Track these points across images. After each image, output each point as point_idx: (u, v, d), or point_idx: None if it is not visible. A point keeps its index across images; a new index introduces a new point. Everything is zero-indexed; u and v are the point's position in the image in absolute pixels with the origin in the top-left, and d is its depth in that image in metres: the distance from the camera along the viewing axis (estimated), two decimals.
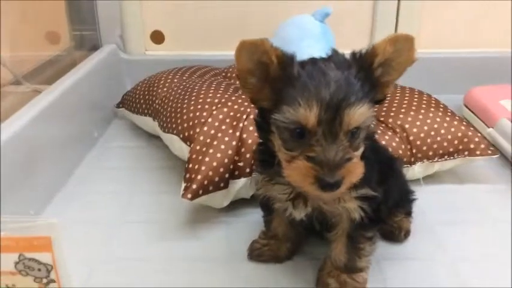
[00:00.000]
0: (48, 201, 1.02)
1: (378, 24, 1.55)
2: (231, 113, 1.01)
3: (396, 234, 0.90)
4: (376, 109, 1.06)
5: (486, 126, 1.27)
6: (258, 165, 0.77)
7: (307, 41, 1.22)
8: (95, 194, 1.06)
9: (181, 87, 1.15)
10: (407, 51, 0.65)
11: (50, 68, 1.51)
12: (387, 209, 0.82)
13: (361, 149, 0.66)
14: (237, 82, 1.26)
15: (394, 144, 1.03)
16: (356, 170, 0.63)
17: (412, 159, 1.03)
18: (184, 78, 1.23)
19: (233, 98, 1.05)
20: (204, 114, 1.01)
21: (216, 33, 1.55)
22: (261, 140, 0.75)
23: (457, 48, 1.59)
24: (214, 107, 1.02)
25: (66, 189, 1.08)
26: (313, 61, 0.66)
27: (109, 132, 1.36)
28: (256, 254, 0.85)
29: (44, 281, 0.51)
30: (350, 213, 0.72)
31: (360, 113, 0.61)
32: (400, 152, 1.02)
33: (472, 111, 1.36)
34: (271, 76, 0.64)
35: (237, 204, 0.99)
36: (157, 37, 1.59)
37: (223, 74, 1.33)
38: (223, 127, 0.98)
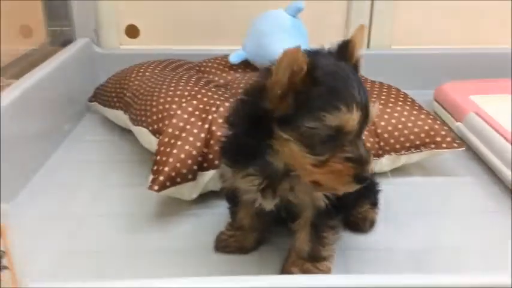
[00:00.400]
0: (17, 194, 1.02)
1: (352, 22, 1.56)
2: (200, 106, 1.01)
3: (361, 225, 0.91)
4: None
5: (455, 120, 1.29)
6: (228, 159, 0.76)
7: (279, 35, 1.23)
8: (64, 186, 1.06)
9: (152, 80, 1.15)
10: (363, 40, 0.70)
11: (25, 62, 1.50)
12: (351, 198, 0.83)
13: None
14: (210, 76, 1.27)
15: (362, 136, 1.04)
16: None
17: (380, 152, 1.05)
18: (156, 71, 1.22)
19: (203, 91, 1.06)
20: (174, 106, 1.01)
21: (191, 28, 1.55)
22: (238, 137, 0.73)
23: (429, 44, 1.61)
24: (183, 100, 1.02)
25: (35, 182, 1.07)
26: (323, 62, 0.65)
27: (81, 126, 1.35)
28: (223, 245, 0.86)
29: None
30: (315, 201, 0.74)
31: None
32: (368, 144, 1.04)
33: (442, 106, 1.38)
34: (296, 84, 0.62)
35: (207, 196, 1.00)
36: (132, 31, 1.58)
37: (197, 67, 1.33)
38: (192, 119, 0.98)
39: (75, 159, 1.18)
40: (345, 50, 0.68)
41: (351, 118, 0.62)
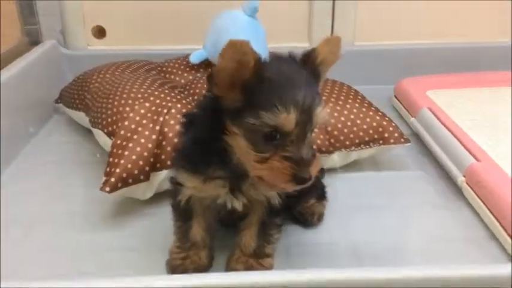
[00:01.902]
0: None
1: (314, 18, 1.58)
2: (153, 108, 1.04)
3: (309, 219, 0.94)
4: None
5: (410, 116, 1.32)
6: (187, 164, 0.76)
7: (236, 33, 1.25)
8: (25, 188, 1.08)
9: (110, 82, 1.17)
10: (336, 50, 0.72)
11: None
12: (296, 196, 0.87)
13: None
14: (171, 77, 1.30)
15: (313, 134, 1.07)
16: (318, 162, 0.70)
17: (331, 149, 1.08)
18: (116, 73, 1.25)
19: (156, 93, 1.08)
20: (127, 109, 1.04)
21: (156, 28, 1.57)
22: (194, 138, 0.75)
23: (392, 40, 1.64)
24: (137, 102, 1.05)
25: None
26: (277, 64, 0.69)
27: (47, 128, 1.37)
28: (181, 270, 0.82)
29: None
30: (270, 200, 0.77)
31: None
32: (319, 142, 1.07)
33: (400, 102, 1.42)
34: (244, 78, 0.66)
35: (162, 195, 1.02)
36: (99, 32, 1.60)
37: (159, 68, 1.36)
38: (144, 121, 1.01)
39: (39, 160, 1.20)
40: (308, 58, 0.71)
41: (287, 119, 0.64)
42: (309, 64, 0.71)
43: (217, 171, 0.73)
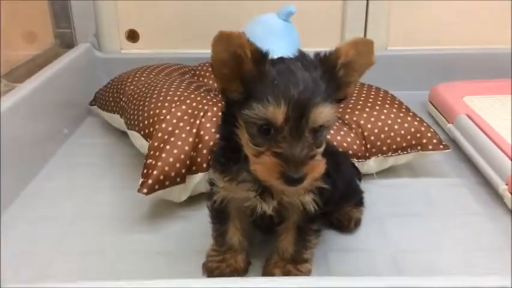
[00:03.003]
0: (16, 196, 1.06)
1: (347, 23, 1.58)
2: (189, 111, 1.04)
3: (346, 225, 0.93)
4: (340, 109, 1.11)
5: (447, 122, 1.30)
6: (219, 165, 0.77)
7: (270, 39, 1.24)
8: (60, 190, 1.09)
9: (145, 85, 1.18)
10: (367, 54, 0.69)
11: (32, 65, 1.55)
12: (334, 202, 0.86)
13: (323, 146, 0.69)
14: (205, 80, 1.30)
15: (349, 139, 1.06)
16: (319, 166, 0.66)
17: (367, 154, 1.07)
18: (151, 76, 1.26)
19: (192, 96, 1.09)
20: (164, 111, 1.04)
21: (189, 32, 1.58)
22: (222, 137, 0.76)
23: (426, 45, 1.62)
24: (173, 105, 1.05)
25: (34, 185, 1.11)
26: (283, 60, 0.69)
27: (81, 130, 1.39)
28: (216, 274, 0.82)
29: None
30: (305, 205, 0.75)
31: (325, 112, 0.65)
32: (355, 147, 1.06)
33: (436, 107, 1.39)
34: (243, 70, 0.66)
35: (197, 198, 1.02)
36: (132, 36, 1.62)
37: (193, 71, 1.36)
38: (181, 124, 1.01)
39: (74, 161, 1.22)
40: (327, 58, 0.69)
41: (277, 112, 0.63)
42: (326, 64, 0.68)
43: (244, 172, 0.73)
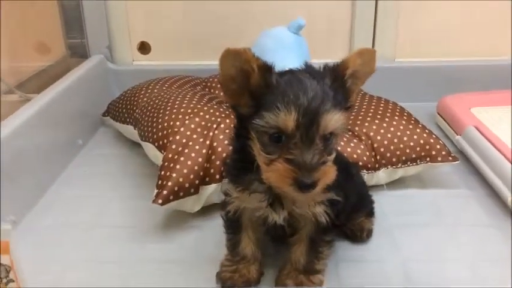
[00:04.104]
0: (33, 205, 1.08)
1: (355, 35, 1.60)
2: (202, 123, 1.06)
3: (358, 235, 0.95)
4: (350, 121, 1.12)
5: (455, 133, 1.31)
6: (232, 176, 0.79)
7: (281, 52, 1.27)
8: (76, 198, 1.12)
9: (159, 97, 1.20)
10: (370, 62, 0.72)
11: (45, 76, 1.58)
12: (346, 214, 0.87)
13: (334, 154, 0.71)
14: (216, 92, 1.32)
15: (358, 151, 1.08)
16: (330, 172, 0.68)
17: (377, 166, 1.08)
18: (164, 88, 1.28)
19: (205, 108, 1.11)
20: (177, 123, 1.07)
21: (200, 44, 1.61)
22: (235, 149, 0.78)
23: (433, 57, 1.64)
24: (187, 117, 1.08)
25: (49, 195, 1.14)
26: (290, 71, 0.71)
27: (94, 140, 1.42)
28: (229, 284, 0.83)
29: (4, 280, 0.56)
30: (317, 217, 0.77)
31: (335, 119, 0.67)
32: (365, 158, 1.07)
33: (444, 119, 1.41)
34: (251, 84, 0.68)
35: (209, 208, 1.04)
36: (144, 48, 1.65)
37: (204, 83, 1.39)
38: (195, 136, 1.04)
39: (88, 171, 1.24)
40: (335, 69, 0.71)
41: (288, 119, 0.64)
42: (334, 74, 0.70)
43: (256, 182, 0.74)
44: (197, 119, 1.07)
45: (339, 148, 1.05)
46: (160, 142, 1.07)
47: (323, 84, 0.68)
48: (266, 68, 0.68)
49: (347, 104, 0.72)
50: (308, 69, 0.72)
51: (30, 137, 1.10)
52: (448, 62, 1.63)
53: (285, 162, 0.66)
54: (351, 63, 0.70)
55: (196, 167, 0.99)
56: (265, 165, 0.69)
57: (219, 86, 1.36)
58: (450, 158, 1.10)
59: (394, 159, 1.09)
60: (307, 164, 0.65)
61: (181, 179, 0.97)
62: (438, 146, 1.10)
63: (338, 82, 0.70)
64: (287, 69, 0.72)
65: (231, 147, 0.81)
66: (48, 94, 1.24)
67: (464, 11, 1.59)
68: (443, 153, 1.10)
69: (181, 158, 1.00)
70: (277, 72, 0.70)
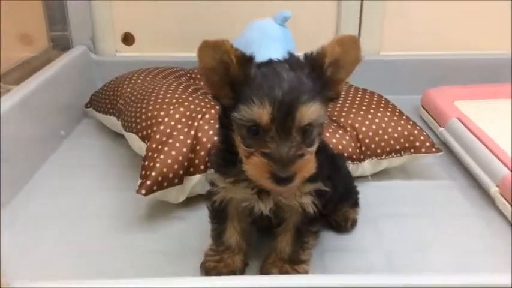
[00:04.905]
0: (14, 195, 1.07)
1: (341, 28, 1.60)
2: (187, 113, 1.05)
3: (343, 225, 0.95)
4: (329, 108, 1.12)
5: (439, 125, 1.32)
6: (218, 166, 0.78)
7: (267, 44, 1.27)
8: (58, 189, 1.10)
9: (143, 87, 1.19)
10: (353, 51, 0.69)
11: (27, 68, 1.55)
12: (333, 204, 0.87)
13: (315, 145, 0.70)
14: (201, 83, 1.31)
15: (344, 142, 1.08)
16: (308, 165, 0.67)
17: (361, 157, 1.09)
18: (148, 79, 1.27)
19: (190, 98, 1.10)
20: (162, 113, 1.06)
21: (184, 35, 1.59)
22: (221, 139, 0.78)
23: (418, 50, 1.65)
24: (171, 107, 1.07)
25: (31, 185, 1.12)
26: (269, 62, 0.71)
27: (77, 131, 1.40)
28: (214, 274, 0.82)
29: None
30: (304, 207, 0.76)
31: (311, 111, 0.66)
32: (350, 149, 1.08)
33: (428, 112, 1.42)
34: (231, 75, 0.68)
35: (194, 199, 1.04)
36: (128, 39, 1.63)
37: (188, 74, 1.38)
38: (179, 126, 1.03)
39: (70, 163, 1.22)
40: (313, 58, 0.70)
41: (262, 113, 0.64)
42: (313, 63, 0.69)
43: (242, 173, 0.72)
44: (182, 109, 1.06)
45: (334, 140, 1.05)
46: (144, 132, 1.06)
47: (301, 74, 0.67)
48: (245, 59, 0.68)
49: (328, 94, 0.71)
50: (289, 59, 0.71)
51: (11, 127, 1.08)
52: (432, 55, 1.64)
53: (262, 156, 0.65)
54: (329, 52, 0.69)
55: (180, 157, 0.98)
56: (245, 158, 0.69)
57: None
58: (434, 149, 1.11)
59: (378, 151, 1.09)
60: (282, 157, 0.65)
61: (165, 169, 0.96)
62: (422, 138, 1.11)
63: (317, 71, 0.69)
64: (267, 59, 0.72)
65: (216, 138, 0.80)
66: (30, 85, 1.22)
67: (448, 6, 1.60)
68: (427, 144, 1.11)
69: (166, 148, 0.99)
70: (257, 64, 0.69)
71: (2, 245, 0.56)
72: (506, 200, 0.98)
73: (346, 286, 0.67)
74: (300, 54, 0.73)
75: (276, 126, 0.65)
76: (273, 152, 0.65)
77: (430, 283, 0.66)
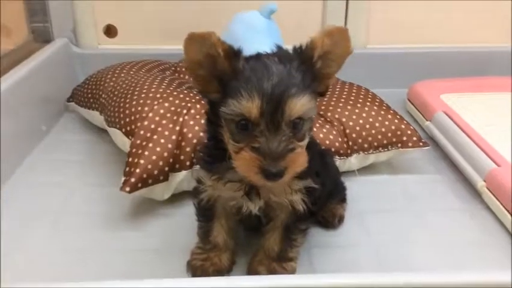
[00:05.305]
0: None
1: (327, 21, 1.58)
2: (172, 108, 1.03)
3: (330, 221, 0.94)
4: (318, 101, 1.11)
5: (425, 119, 1.32)
6: (205, 163, 0.76)
7: (253, 36, 1.25)
8: (40, 186, 1.08)
9: (126, 81, 1.17)
10: (343, 42, 0.68)
11: (6, 61, 1.51)
12: (322, 201, 0.86)
13: (306, 140, 0.69)
14: (186, 77, 1.29)
15: (331, 137, 1.07)
16: (299, 160, 0.66)
17: (349, 152, 1.08)
18: (131, 73, 1.24)
19: (175, 93, 1.08)
20: (146, 108, 1.03)
21: (168, 27, 1.56)
22: (209, 136, 0.76)
23: (404, 44, 1.64)
24: (155, 102, 1.04)
25: (12, 181, 1.09)
26: (257, 56, 0.69)
27: (59, 126, 1.36)
28: (199, 273, 0.81)
29: None
30: (294, 205, 0.75)
31: (301, 104, 0.64)
32: (337, 144, 1.07)
33: (414, 105, 1.41)
34: (218, 69, 0.66)
35: (179, 196, 1.02)
36: (111, 31, 1.60)
37: (173, 68, 1.35)
38: (164, 121, 1.01)
39: (53, 158, 1.19)
40: (302, 50, 0.68)
41: (251, 107, 0.63)
42: (303, 56, 0.68)
43: (231, 171, 0.71)
44: (166, 104, 1.04)
45: (321, 135, 1.04)
46: (128, 128, 1.03)
47: (290, 68, 0.66)
48: (232, 53, 0.66)
49: (318, 87, 0.70)
50: (278, 52, 0.70)
51: None
52: (419, 49, 1.63)
53: (251, 151, 0.64)
54: (319, 44, 0.67)
55: (165, 154, 0.96)
56: (234, 154, 0.67)
57: None
58: (421, 144, 1.11)
59: (365, 145, 1.09)
60: (272, 152, 0.63)
61: (149, 166, 0.94)
62: (409, 132, 1.11)
63: (306, 64, 0.67)
64: (255, 53, 0.70)
65: (202, 134, 0.78)
66: (10, 78, 1.18)
67: None
68: (414, 138, 1.11)
69: (150, 144, 0.97)
70: (245, 57, 0.67)
71: None
72: (493, 194, 0.98)
73: (335, 286, 0.66)
74: (288, 46, 0.71)
75: (266, 120, 0.63)
76: (262, 146, 0.63)
77: (430, 282, 0.65)
